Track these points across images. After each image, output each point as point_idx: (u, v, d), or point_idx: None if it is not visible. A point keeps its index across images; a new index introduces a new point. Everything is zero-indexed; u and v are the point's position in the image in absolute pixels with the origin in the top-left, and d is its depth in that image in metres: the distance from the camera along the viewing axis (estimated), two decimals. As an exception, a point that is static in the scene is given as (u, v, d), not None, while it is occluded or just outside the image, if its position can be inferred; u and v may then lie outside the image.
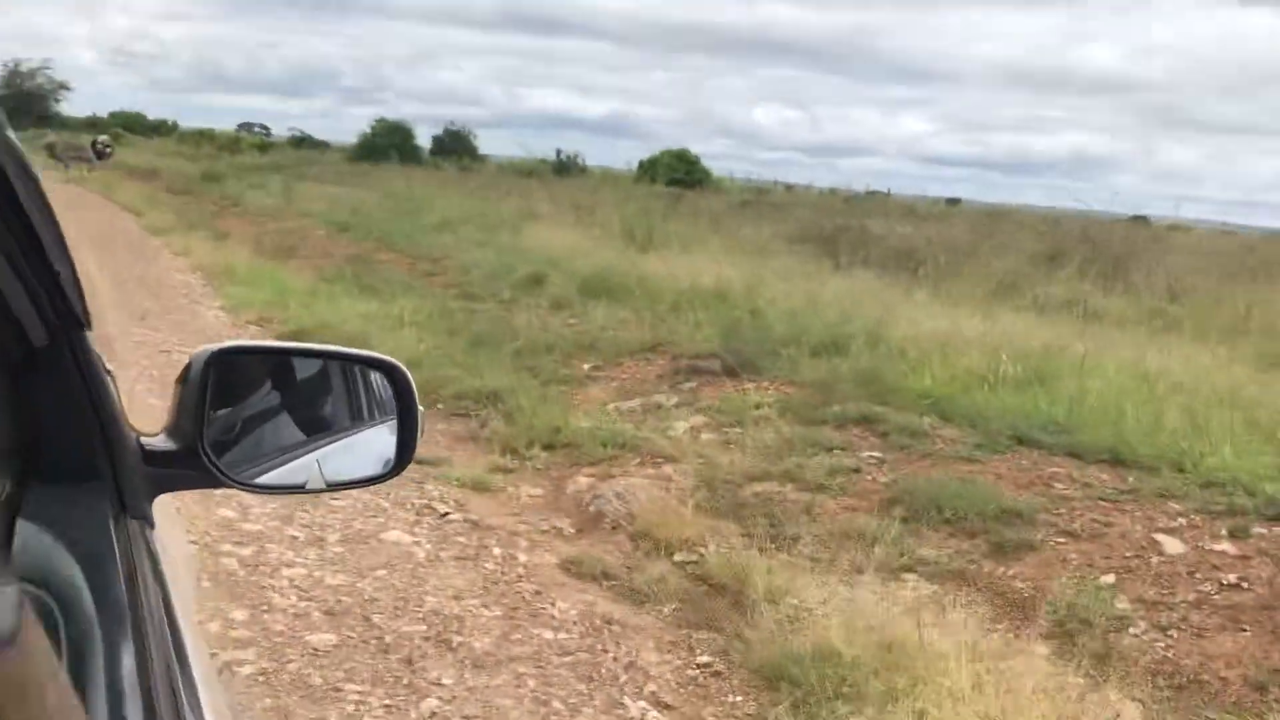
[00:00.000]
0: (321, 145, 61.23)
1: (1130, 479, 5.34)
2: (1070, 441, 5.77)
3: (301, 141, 62.18)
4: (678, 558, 4.84)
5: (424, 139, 46.77)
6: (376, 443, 1.43)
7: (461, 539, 4.88)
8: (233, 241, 17.07)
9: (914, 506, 5.02)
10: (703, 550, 4.85)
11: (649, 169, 40.98)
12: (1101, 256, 15.25)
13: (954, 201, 52.85)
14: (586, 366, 8.45)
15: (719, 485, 5.55)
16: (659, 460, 6.07)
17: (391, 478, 1.44)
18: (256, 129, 75.35)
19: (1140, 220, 44.93)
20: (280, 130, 71.64)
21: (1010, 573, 4.50)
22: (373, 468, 1.42)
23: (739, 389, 7.42)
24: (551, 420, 6.77)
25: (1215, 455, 5.42)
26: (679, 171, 40.48)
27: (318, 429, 1.48)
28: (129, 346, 8.08)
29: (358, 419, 1.50)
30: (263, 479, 1.31)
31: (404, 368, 1.41)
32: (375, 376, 1.46)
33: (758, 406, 6.90)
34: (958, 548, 4.72)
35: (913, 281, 11.93)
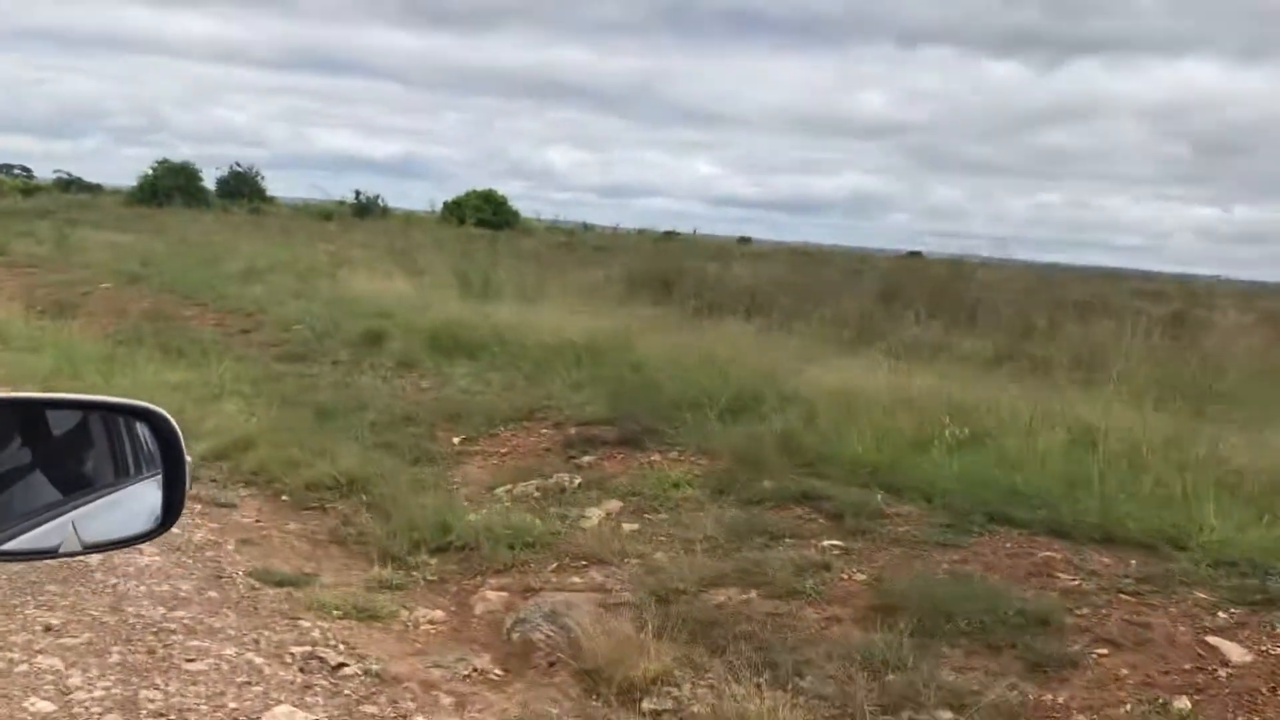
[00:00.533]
0: (94, 188, 56.73)
1: (1133, 563, 4.65)
2: (1050, 517, 5.06)
3: (70, 184, 57.26)
4: (649, 705, 3.77)
5: (208, 180, 43.65)
6: (142, 498, 1.33)
7: (371, 708, 3.64)
8: (6, 294, 14.78)
9: (915, 616, 4.14)
10: (678, 692, 3.81)
11: (454, 209, 39.55)
12: (934, 294, 15.16)
13: (745, 240, 53.93)
14: (457, 440, 7.25)
15: (670, 596, 4.51)
16: (582, 563, 4.98)
17: (158, 535, 1.34)
18: (17, 171, 69.13)
19: (915, 255, 46.77)
20: (45, 173, 65.95)
21: (1062, 700, 3.67)
22: (138, 525, 1.33)
23: (647, 462, 6.42)
24: (432, 513, 5.57)
25: (1211, 528, 4.82)
26: (486, 212, 39.27)
27: (78, 486, 1.36)
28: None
29: (123, 474, 1.39)
30: (8, 545, 1.16)
31: (169, 415, 1.30)
32: (140, 428, 1.36)
33: (677, 485, 5.91)
34: (987, 668, 3.87)
35: (771, 327, 11.26)
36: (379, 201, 41.29)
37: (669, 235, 40.14)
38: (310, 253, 18.79)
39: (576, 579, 4.82)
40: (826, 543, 5.02)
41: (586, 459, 6.58)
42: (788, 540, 5.07)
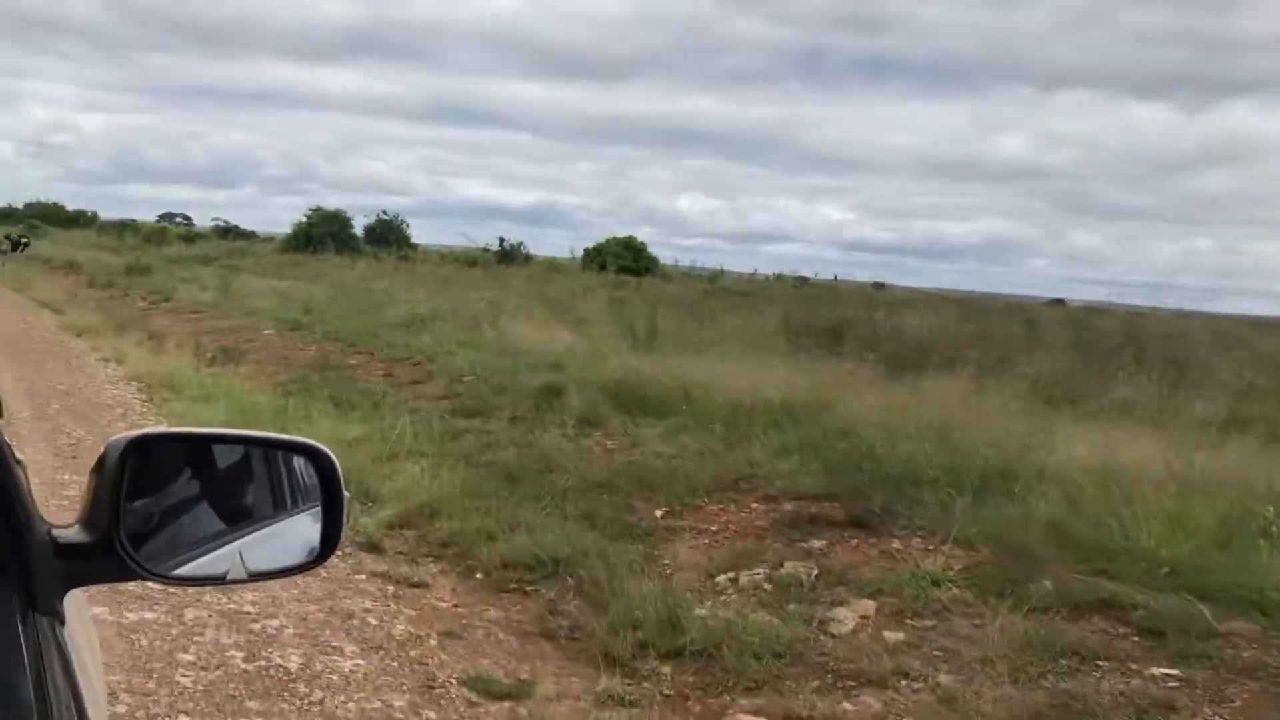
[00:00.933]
0: (249, 235, 58.97)
1: None
2: None
3: (228, 232, 59.73)
4: None
5: (357, 228, 44.66)
6: (301, 531, 1.36)
7: None
8: (169, 344, 14.81)
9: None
10: None
11: (595, 256, 39.42)
12: (1132, 347, 13.85)
13: (879, 285, 52.48)
14: (659, 513, 6.49)
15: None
16: (849, 683, 4.13)
17: (316, 566, 1.38)
18: (179, 219, 72.57)
19: (1058, 302, 44.63)
20: (203, 221, 69.02)
21: None
22: (296, 557, 1.36)
23: (889, 551, 5.54)
24: (654, 606, 4.80)
25: None
26: (626, 259, 39.00)
27: (239, 518, 1.39)
28: (63, 504, 5.90)
29: (280, 506, 1.41)
30: (181, 570, 1.23)
31: (329, 452, 1.35)
32: (298, 462, 1.40)
33: (937, 582, 5.01)
34: None
35: (970, 385, 10.22)
36: (521, 248, 41.45)
37: (802, 281, 39.29)
38: (467, 300, 18.51)
39: (848, 706, 3.97)
40: (1155, 670, 4.05)
41: (815, 544, 5.73)
42: (1102, 663, 4.12)
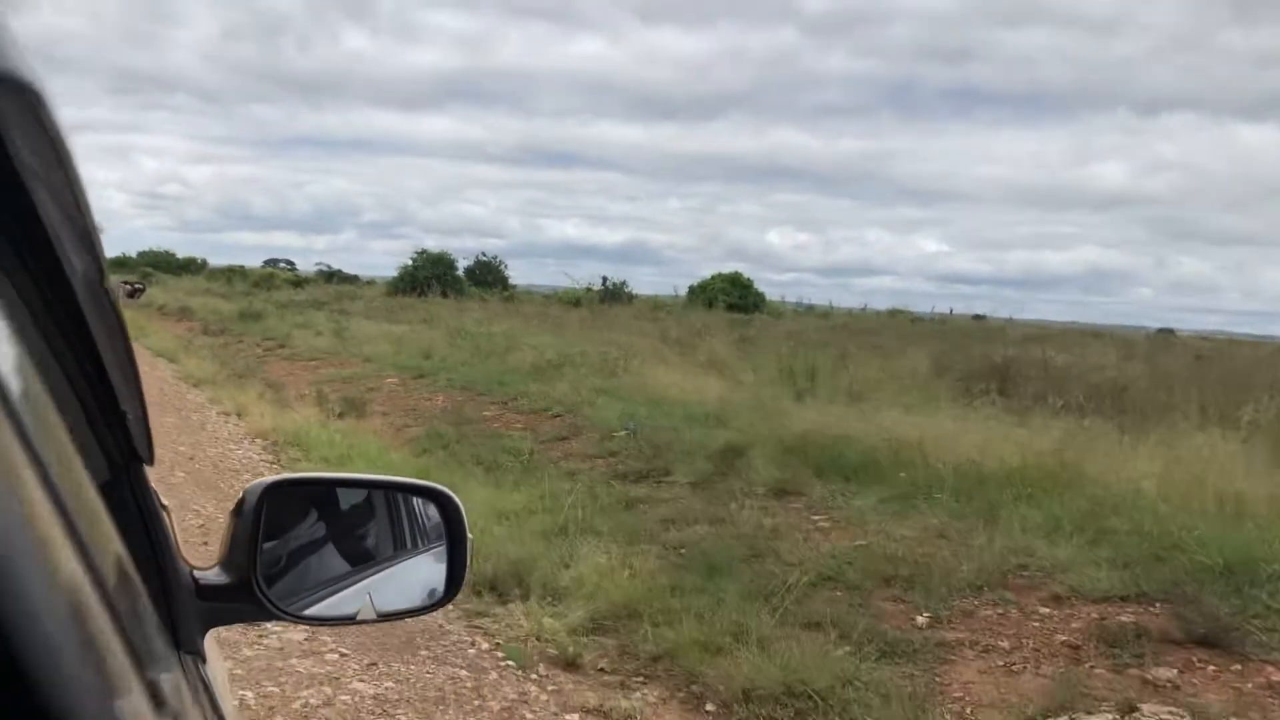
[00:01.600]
0: (352, 279, 59.30)
1: None
2: None
3: (331, 276, 60.15)
4: None
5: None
6: (421, 572, 1.38)
7: None
8: (290, 394, 13.94)
9: None
10: None
11: (700, 294, 38.28)
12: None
13: (979, 318, 50.31)
14: (921, 619, 5.12)
15: None
16: None
17: (441, 607, 1.40)
18: (283, 264, 73.53)
19: (1167, 332, 41.88)
20: (306, 265, 69.87)
21: None
22: (419, 598, 1.38)
23: (1269, 682, 4.10)
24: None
25: None
26: (733, 295, 37.79)
27: (362, 559, 1.42)
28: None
29: (400, 548, 1.44)
30: (312, 610, 1.25)
31: (454, 495, 1.35)
32: (417, 503, 1.43)
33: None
34: None
35: (1236, 443, 8.60)
36: (624, 287, 40.46)
37: (917, 318, 37.54)
38: (589, 342, 17.38)
39: None
40: None
41: (1160, 672, 4.30)
42: None
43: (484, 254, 47.72)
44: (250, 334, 24.15)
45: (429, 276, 39.51)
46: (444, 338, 18.87)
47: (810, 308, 39.23)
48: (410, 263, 40.71)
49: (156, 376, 16.60)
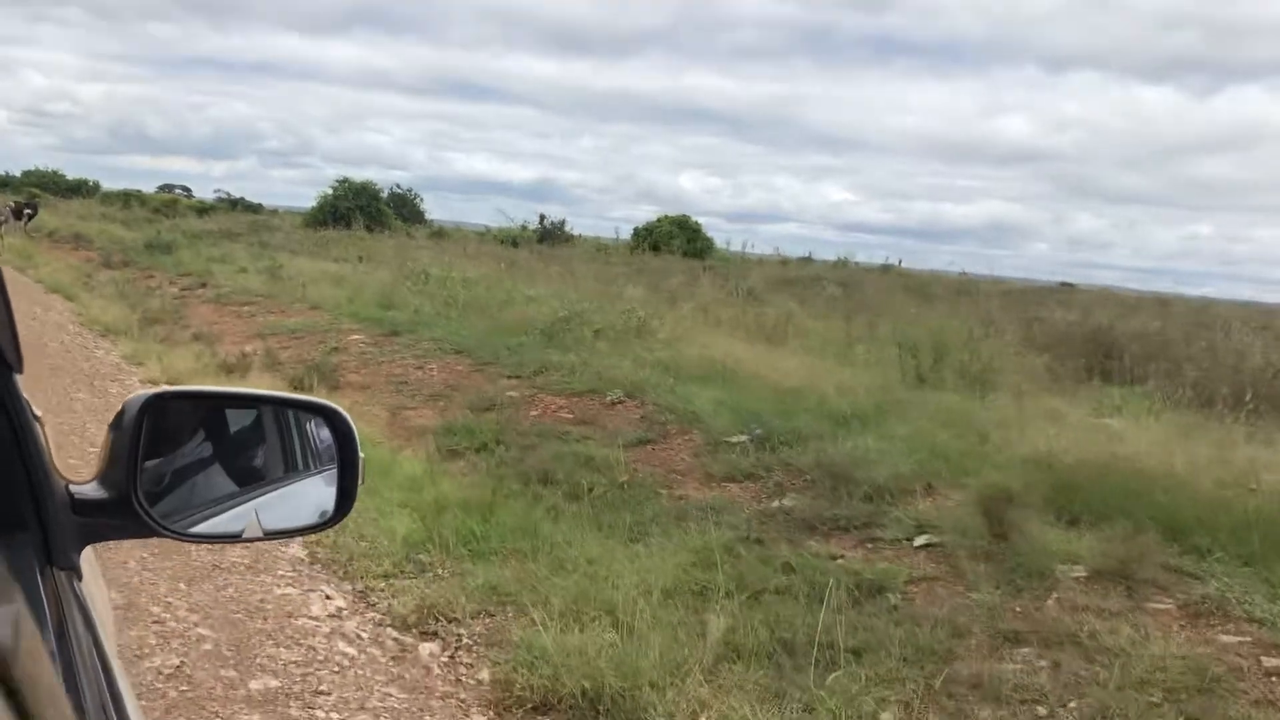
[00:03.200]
0: (256, 208, 54.78)
1: None
2: None
3: (235, 204, 55.29)
4: None
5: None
6: (313, 493, 1.31)
7: None
8: (229, 353, 10.68)
9: None
10: None
11: (646, 237, 35.29)
12: None
13: (887, 268, 48.67)
14: None
15: None
16: None
17: (331, 527, 1.32)
18: (179, 190, 67.66)
19: (1067, 287, 40.88)
20: (203, 192, 64.44)
21: None
22: (309, 517, 1.31)
23: None
24: None
25: None
26: (680, 240, 34.92)
27: (252, 479, 1.34)
28: None
29: (292, 469, 1.37)
30: (198, 528, 1.19)
31: (345, 412, 1.27)
32: (310, 424, 1.35)
33: None
34: None
35: None
36: (564, 227, 37.22)
37: (841, 264, 35.26)
38: (580, 292, 14.33)
39: None
40: None
41: None
42: None
43: (398, 186, 43.56)
44: (160, 268, 20.32)
45: (351, 208, 35.62)
46: (400, 281, 15.61)
47: (762, 256, 36.59)
48: (330, 191, 36.61)
49: (53, 321, 12.99)
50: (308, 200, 42.84)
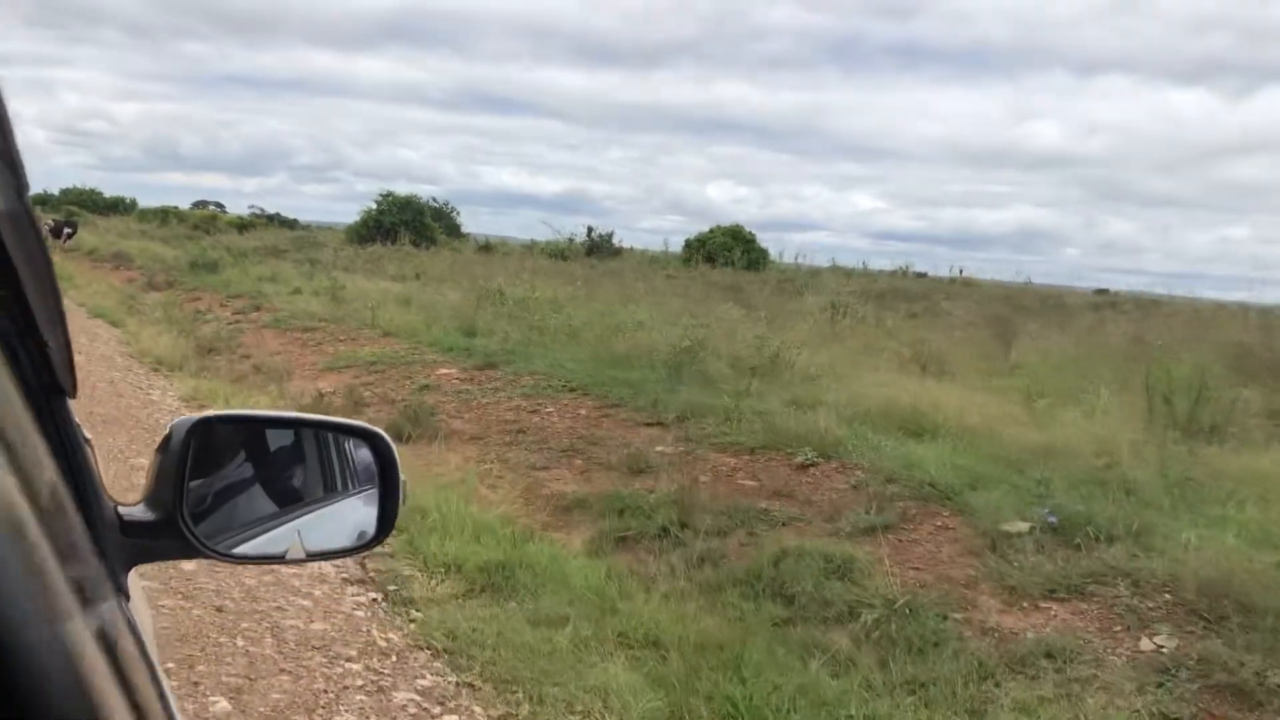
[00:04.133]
0: (291, 223, 53.80)
1: None
2: None
3: (271, 219, 54.22)
4: None
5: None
6: (352, 513, 1.29)
7: None
8: (299, 385, 9.05)
9: None
10: None
11: (699, 248, 33.60)
12: None
13: (921, 275, 46.80)
14: None
15: None
16: None
17: (372, 548, 1.32)
18: (212, 206, 66.71)
19: (1102, 293, 38.65)
20: (235, 208, 63.46)
21: None
22: (349, 539, 1.29)
23: None
24: None
25: None
26: (735, 251, 33.17)
27: (292, 500, 1.32)
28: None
29: (331, 490, 1.35)
30: (241, 549, 1.17)
31: (385, 435, 1.26)
32: (348, 445, 1.34)
33: None
34: None
35: None
36: (611, 239, 35.56)
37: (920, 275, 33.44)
38: (667, 312, 12.63)
39: None
40: None
41: None
42: None
43: (434, 199, 41.99)
44: (208, 288, 18.80)
45: (395, 222, 34.16)
46: (475, 302, 13.95)
47: (813, 268, 34.77)
48: (374, 206, 35.12)
49: (99, 354, 11.41)
50: (342, 215, 41.62)
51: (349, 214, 37.37)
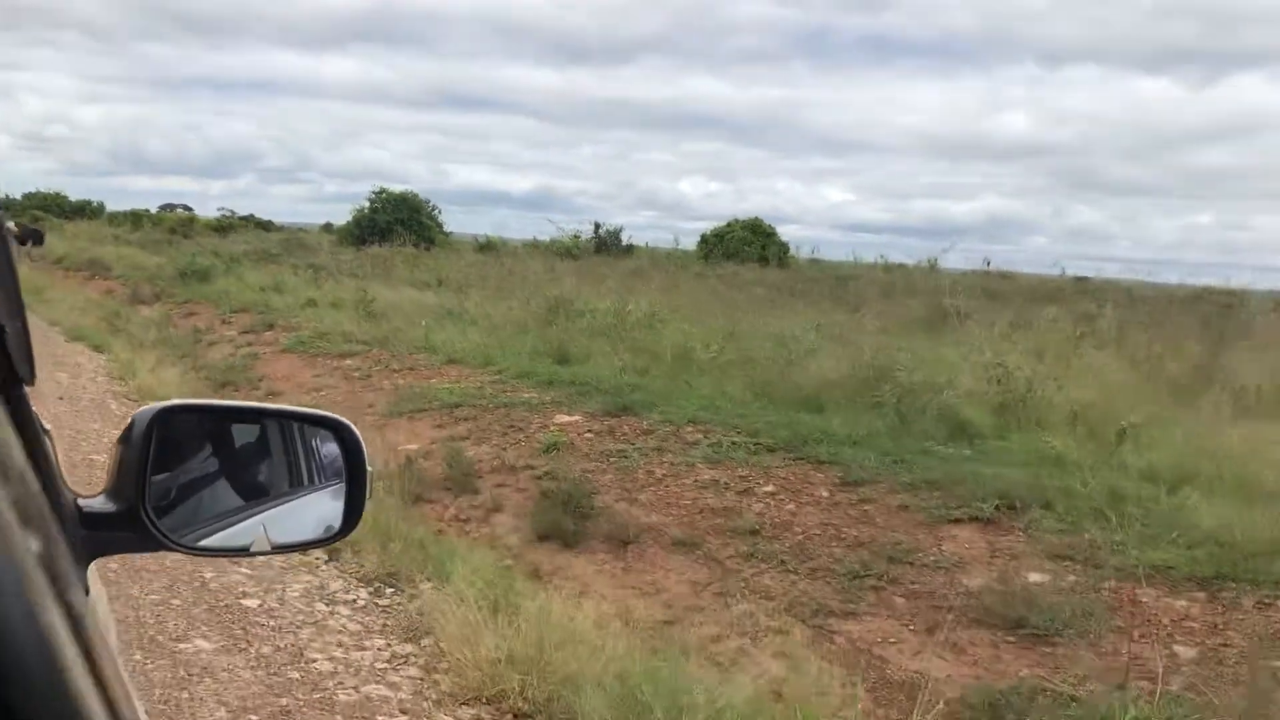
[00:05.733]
0: (266, 224, 50.67)
1: None
2: None
3: (245, 221, 50.94)
4: None
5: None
6: (318, 507, 1.22)
7: None
8: (369, 441, 6.35)
9: None
10: None
11: (717, 244, 30.94)
12: None
13: (898, 266, 44.66)
14: None
15: None
16: None
17: (337, 541, 1.27)
18: (180, 209, 63.11)
19: (1082, 280, 36.41)
20: (205, 211, 59.99)
21: None
22: (315, 531, 1.22)
23: None
24: None
25: None
26: (754, 245, 30.58)
27: (258, 493, 1.25)
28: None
29: (297, 483, 1.27)
30: (205, 542, 1.11)
31: (353, 426, 1.19)
32: (315, 439, 1.26)
33: None
34: None
35: None
36: (620, 236, 32.80)
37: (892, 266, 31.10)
38: (754, 320, 10.01)
39: None
40: None
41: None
42: None
43: (415, 197, 38.90)
44: (203, 300, 15.85)
45: (392, 221, 31.19)
46: (547, 317, 11.21)
47: (823, 262, 32.27)
48: (367, 204, 32.12)
49: (81, 387, 8.56)
50: (312, 216, 38.67)
51: (320, 215, 34.52)
